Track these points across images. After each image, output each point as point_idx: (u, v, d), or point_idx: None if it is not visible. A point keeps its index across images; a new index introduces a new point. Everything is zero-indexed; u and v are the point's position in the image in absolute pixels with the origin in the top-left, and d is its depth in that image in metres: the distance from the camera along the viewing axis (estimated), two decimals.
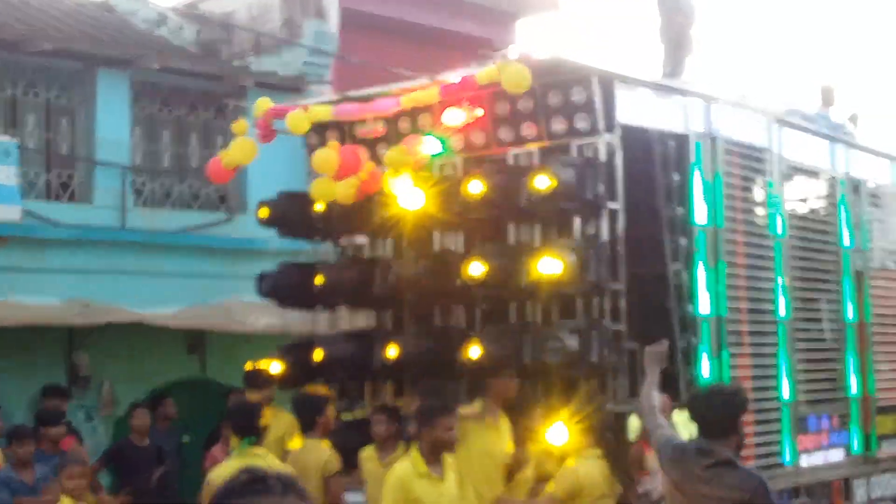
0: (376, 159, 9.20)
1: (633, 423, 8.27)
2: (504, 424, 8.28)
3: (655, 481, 7.96)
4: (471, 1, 18.10)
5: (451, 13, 17.87)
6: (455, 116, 8.34)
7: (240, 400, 9.54)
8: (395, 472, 7.21)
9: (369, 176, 8.47)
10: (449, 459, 7.29)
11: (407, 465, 7.18)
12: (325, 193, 8.57)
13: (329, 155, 8.31)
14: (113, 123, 14.45)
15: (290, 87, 15.44)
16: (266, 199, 9.89)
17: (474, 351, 8.40)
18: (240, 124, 8.89)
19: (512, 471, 8.20)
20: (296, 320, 13.13)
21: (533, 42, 27.01)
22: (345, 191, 8.41)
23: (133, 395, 13.21)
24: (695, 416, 6.02)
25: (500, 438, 8.20)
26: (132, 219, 14.40)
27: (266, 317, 13.64)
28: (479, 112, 8.51)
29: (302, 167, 13.89)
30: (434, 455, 7.16)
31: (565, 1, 21.27)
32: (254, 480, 2.68)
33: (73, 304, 13.05)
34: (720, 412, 5.84)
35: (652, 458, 7.90)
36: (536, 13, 19.49)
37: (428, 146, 8.45)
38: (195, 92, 15.40)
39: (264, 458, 7.58)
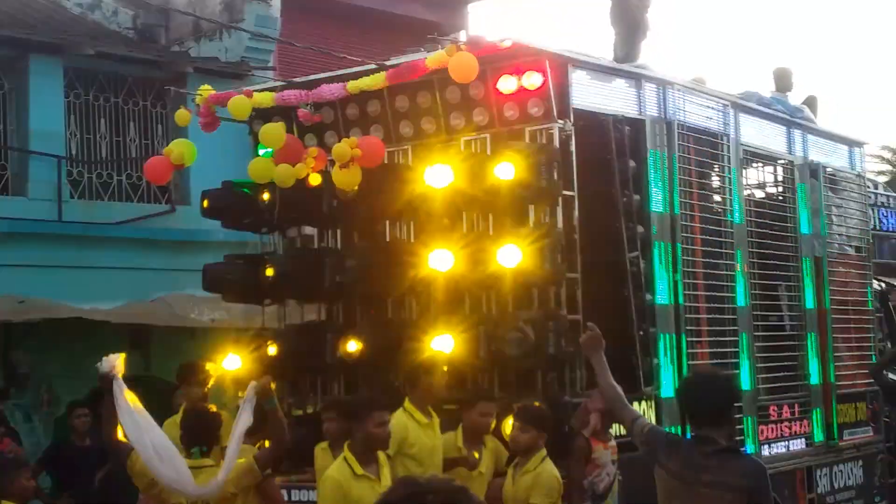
0: (324, 146, 9.12)
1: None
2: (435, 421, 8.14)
3: (602, 473, 8.09)
4: None
5: None
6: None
7: (198, 408, 9.36)
8: (330, 474, 6.99)
9: (315, 161, 8.37)
10: (382, 458, 7.17)
11: (342, 466, 6.97)
12: (264, 174, 8.47)
13: (277, 129, 8.26)
14: (46, 112, 14.35)
15: (232, 73, 15.40)
16: (209, 189, 9.77)
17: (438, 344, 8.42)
18: (182, 114, 8.78)
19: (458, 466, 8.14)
20: (241, 314, 13.11)
21: (483, 26, 27.13)
22: (283, 173, 8.30)
23: (73, 394, 13.00)
24: (687, 404, 5.99)
25: (436, 436, 8.11)
26: (69, 211, 14.31)
27: (211, 311, 13.59)
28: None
29: (246, 157, 13.82)
30: (367, 454, 6.97)
31: None
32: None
33: (8, 299, 12.92)
34: (714, 400, 5.76)
35: (600, 451, 8.07)
36: None
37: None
38: (133, 79, 15.28)
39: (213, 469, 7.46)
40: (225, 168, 11.44)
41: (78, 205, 14.52)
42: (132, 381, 13.22)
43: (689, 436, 6.09)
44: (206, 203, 9.64)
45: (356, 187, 8.32)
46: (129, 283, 14.07)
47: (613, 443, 8.29)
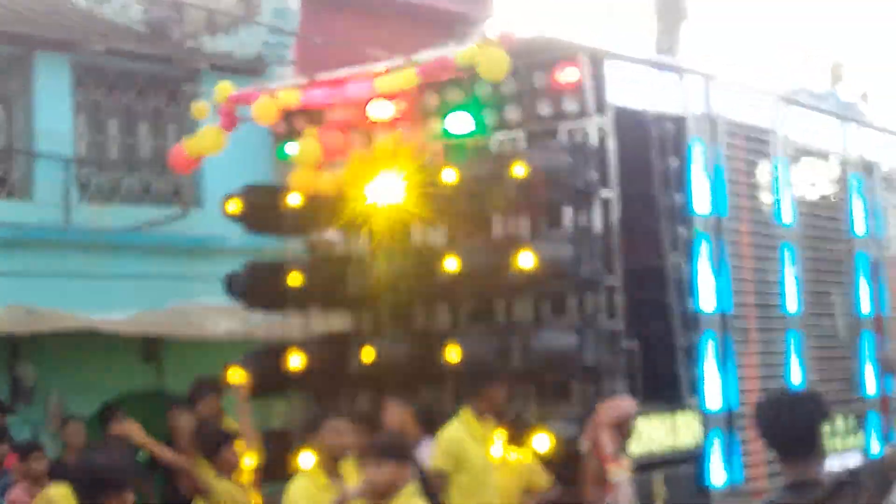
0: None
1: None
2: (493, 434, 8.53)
3: (619, 494, 8.22)
4: None
5: None
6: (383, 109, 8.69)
7: (212, 427, 9.75)
8: (296, 485, 7.46)
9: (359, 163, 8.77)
10: (349, 469, 7.56)
11: (305, 478, 7.48)
12: (306, 185, 8.82)
13: (310, 145, 8.58)
14: (54, 112, 14.64)
15: (249, 69, 15.71)
16: (231, 192, 10.10)
17: (453, 354, 8.72)
18: (200, 108, 9.11)
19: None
20: (259, 324, 13.44)
21: (510, 15, 27.38)
22: (327, 182, 8.67)
23: (85, 408, 13.37)
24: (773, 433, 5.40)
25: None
26: (77, 216, 14.59)
27: (227, 321, 13.92)
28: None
29: (261, 156, 14.11)
30: (329, 464, 7.43)
31: None
32: None
33: (14, 310, 13.19)
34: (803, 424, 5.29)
35: (613, 470, 8.20)
36: None
37: (456, 124, 8.83)
38: (144, 76, 15.58)
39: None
40: (239, 167, 11.78)
41: (86, 209, 14.81)
42: (145, 395, 13.68)
43: None
44: (230, 206, 9.97)
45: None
46: (140, 291, 14.37)
47: (628, 460, 8.46)
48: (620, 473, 8.31)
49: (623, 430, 8.37)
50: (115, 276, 14.38)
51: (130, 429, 9.10)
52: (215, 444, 8.91)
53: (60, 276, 13.96)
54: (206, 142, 8.93)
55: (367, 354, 9.17)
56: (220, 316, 13.96)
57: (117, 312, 13.64)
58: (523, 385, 9.17)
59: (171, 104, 15.78)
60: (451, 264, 8.81)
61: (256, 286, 10.13)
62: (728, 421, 9.83)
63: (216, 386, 10.07)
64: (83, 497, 5.64)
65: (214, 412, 9.97)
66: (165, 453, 9.59)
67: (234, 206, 10.01)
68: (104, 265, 14.39)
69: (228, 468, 8.93)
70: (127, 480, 5.58)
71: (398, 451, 6.80)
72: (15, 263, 13.77)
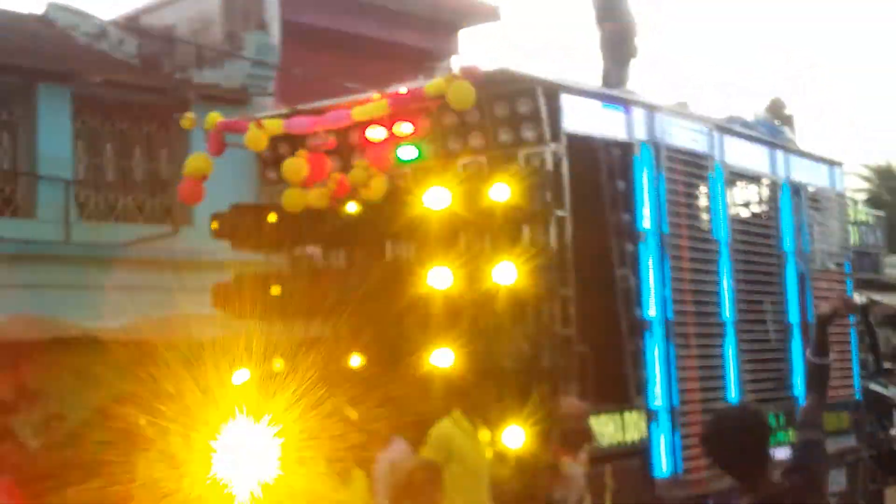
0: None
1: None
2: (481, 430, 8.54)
3: (571, 488, 8.29)
4: (412, 12, 18.43)
5: (392, 24, 18.22)
6: (376, 133, 8.74)
7: None
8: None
9: (337, 184, 8.78)
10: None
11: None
12: (297, 202, 8.87)
13: (298, 164, 8.62)
14: (55, 137, 14.62)
15: (234, 99, 15.71)
16: (218, 211, 10.10)
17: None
18: (187, 119, 9.17)
19: None
20: (240, 332, 13.43)
21: (474, 51, 27.57)
22: (317, 199, 8.73)
23: (81, 410, 13.36)
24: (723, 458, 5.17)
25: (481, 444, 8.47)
26: (76, 233, 14.58)
27: (213, 329, 13.91)
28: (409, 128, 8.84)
29: (245, 178, 14.13)
30: None
31: (505, 11, 21.70)
32: None
33: (18, 319, 13.15)
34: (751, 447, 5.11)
35: (568, 464, 8.28)
36: (477, 23, 19.93)
37: (403, 153, 8.93)
38: (138, 105, 15.56)
39: None
40: (224, 189, 11.72)
41: (85, 226, 14.79)
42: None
43: None
44: (214, 225, 9.99)
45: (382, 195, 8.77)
46: (133, 302, 14.36)
47: (584, 456, 8.48)
48: (575, 467, 8.36)
49: (578, 426, 8.43)
50: (111, 287, 14.28)
51: None
52: None
53: (61, 288, 13.87)
54: (196, 165, 8.95)
55: (347, 360, 9.19)
56: (206, 324, 14.02)
57: (112, 321, 13.68)
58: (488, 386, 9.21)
59: (162, 131, 15.75)
60: (422, 278, 8.86)
61: (239, 297, 10.12)
62: (671, 417, 9.83)
63: None
64: None
65: None
66: None
67: (217, 225, 10.01)
68: (101, 277, 14.15)
69: None
70: None
71: None
72: (19, 276, 13.70)
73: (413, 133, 8.95)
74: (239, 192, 12.14)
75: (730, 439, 5.08)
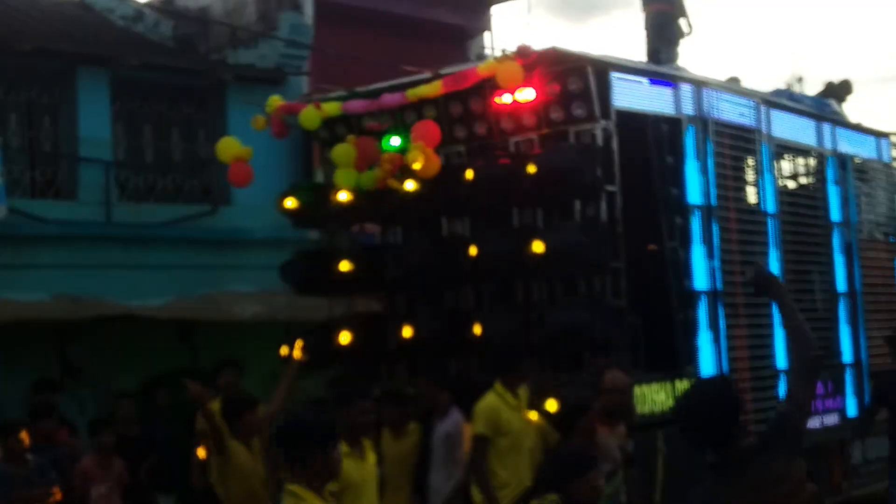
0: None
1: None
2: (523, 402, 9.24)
3: (605, 459, 8.60)
4: None
5: (424, 2, 19.05)
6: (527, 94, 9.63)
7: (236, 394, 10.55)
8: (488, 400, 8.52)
9: (390, 163, 9.65)
10: (367, 443, 8.08)
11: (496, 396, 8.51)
12: (348, 181, 9.76)
13: (346, 149, 9.55)
14: (94, 120, 15.45)
15: (269, 80, 16.56)
16: (287, 189, 11.01)
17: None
18: (258, 121, 10.08)
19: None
20: (281, 308, 14.37)
21: (507, 28, 28.42)
22: (368, 179, 9.64)
23: (126, 387, 14.04)
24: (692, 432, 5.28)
25: (524, 416, 9.19)
26: (117, 213, 15.41)
27: (253, 306, 14.86)
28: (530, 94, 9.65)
29: (284, 158, 15.05)
30: (353, 438, 7.80)
31: None
32: None
33: (61, 299, 14.05)
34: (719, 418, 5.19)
35: (605, 435, 8.85)
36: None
37: (391, 141, 9.91)
38: (175, 87, 16.42)
39: None
40: (261, 169, 12.55)
41: (125, 207, 15.61)
42: (180, 373, 14.61)
43: None
44: (283, 203, 10.88)
45: (436, 171, 9.58)
46: (174, 280, 15.16)
47: (623, 429, 9.04)
48: (611, 439, 8.93)
49: (620, 400, 9.05)
50: (151, 266, 15.17)
51: (201, 392, 9.80)
52: (237, 409, 9.45)
53: (103, 268, 14.74)
54: (229, 149, 9.94)
55: (405, 332, 10.06)
56: (246, 301, 14.93)
57: (154, 299, 14.50)
58: (541, 356, 10.01)
59: (199, 111, 16.61)
60: (474, 250, 9.71)
61: (305, 273, 11.00)
62: None
63: (235, 364, 11.06)
64: (291, 456, 5.69)
65: (232, 386, 10.84)
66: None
67: (290, 203, 10.90)
68: (142, 257, 15.18)
69: (246, 431, 9.39)
70: (333, 437, 5.72)
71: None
72: (62, 257, 14.55)
73: (535, 98, 9.75)
74: (274, 173, 13.00)
75: (698, 411, 5.18)
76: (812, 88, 14.77)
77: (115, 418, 12.51)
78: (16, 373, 13.75)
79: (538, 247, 9.43)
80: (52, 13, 16.94)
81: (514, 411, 8.91)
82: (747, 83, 12.43)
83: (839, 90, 14.28)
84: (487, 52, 19.43)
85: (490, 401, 8.83)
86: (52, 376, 13.85)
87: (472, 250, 9.77)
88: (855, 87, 14.59)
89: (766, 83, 12.64)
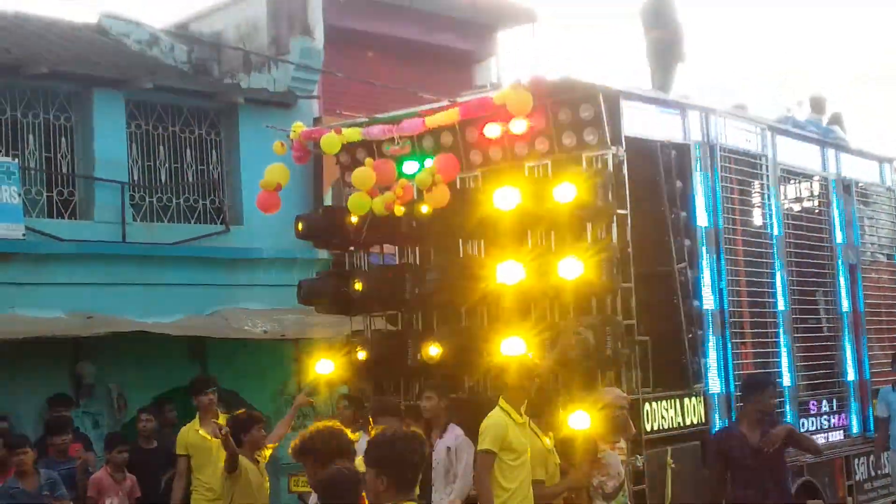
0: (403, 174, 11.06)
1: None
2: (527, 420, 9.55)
3: (608, 475, 9.32)
4: (450, 15, 20.18)
5: (432, 27, 19.98)
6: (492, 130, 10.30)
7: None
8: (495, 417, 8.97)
9: (403, 190, 10.37)
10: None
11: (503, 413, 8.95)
12: (361, 206, 10.47)
13: (367, 172, 10.27)
14: (110, 141, 16.26)
15: (280, 103, 17.50)
16: (303, 213, 11.75)
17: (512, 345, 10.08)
18: (279, 146, 10.80)
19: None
20: (292, 326, 15.08)
21: (513, 53, 29.21)
22: (379, 204, 10.34)
23: (138, 402, 14.84)
24: None
25: (528, 434, 9.49)
26: (132, 233, 16.18)
27: (264, 323, 15.61)
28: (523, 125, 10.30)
29: (296, 181, 15.75)
30: None
31: (543, 12, 23.15)
32: None
33: (76, 316, 14.82)
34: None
35: (607, 452, 9.33)
36: (515, 25, 21.63)
37: (406, 168, 10.61)
38: (188, 109, 17.26)
39: None
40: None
41: (140, 227, 16.40)
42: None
43: None
44: (300, 226, 11.59)
45: (445, 203, 10.20)
46: (187, 298, 16.00)
47: (623, 445, 9.52)
48: (614, 455, 9.37)
49: (618, 416, 9.50)
50: (164, 284, 15.98)
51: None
52: (246, 425, 10.12)
53: (117, 286, 15.55)
54: (274, 176, 10.65)
55: (425, 351, 10.65)
56: (256, 319, 15.73)
57: (167, 317, 15.41)
58: (554, 374, 10.36)
59: (212, 133, 17.41)
60: (490, 273, 10.26)
61: (323, 292, 11.68)
62: (727, 403, 11.16)
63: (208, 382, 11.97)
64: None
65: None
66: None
67: (302, 226, 11.57)
68: (155, 275, 15.96)
69: (252, 447, 10.08)
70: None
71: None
72: (77, 275, 15.31)
73: (528, 130, 10.36)
74: (287, 195, 13.61)
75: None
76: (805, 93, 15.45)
77: (136, 431, 13.28)
78: (31, 388, 14.48)
79: (557, 274, 9.96)
80: (69, 37, 17.73)
81: (519, 428, 9.22)
82: (752, 107, 13.08)
83: (821, 104, 15.02)
84: (494, 77, 20.18)
85: (497, 417, 9.16)
86: (67, 392, 14.55)
87: (493, 272, 10.25)
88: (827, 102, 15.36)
89: (769, 103, 13.28)
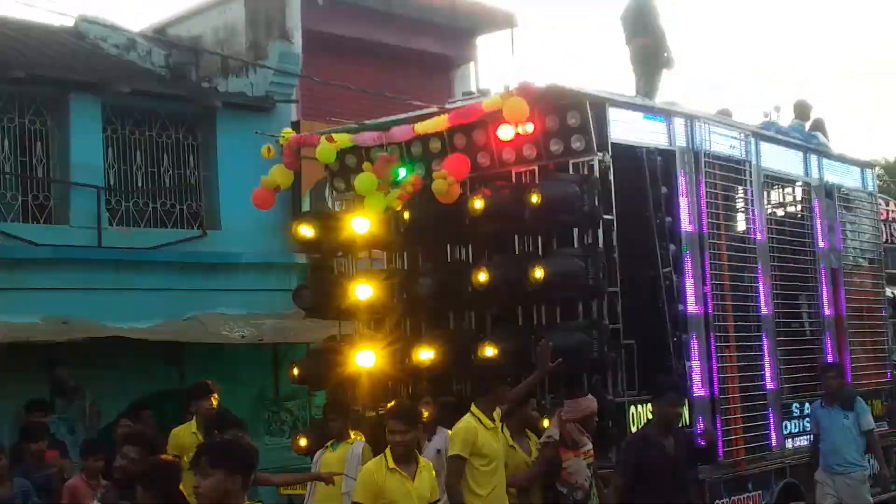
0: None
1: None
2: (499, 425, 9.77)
3: (574, 482, 9.58)
4: (430, 20, 20.60)
5: (411, 32, 20.40)
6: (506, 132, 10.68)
7: (223, 414, 11.40)
8: (367, 467, 8.93)
9: (412, 185, 10.78)
10: (423, 461, 8.84)
11: (379, 461, 8.84)
12: (379, 206, 10.91)
13: (368, 177, 10.71)
14: (86, 146, 16.49)
15: (258, 107, 17.83)
16: (299, 215, 12.11)
17: (488, 350, 10.57)
18: (268, 150, 11.22)
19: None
20: (270, 331, 15.40)
21: (492, 58, 29.70)
22: (392, 199, 10.77)
23: (115, 408, 15.11)
24: None
25: (500, 439, 9.73)
26: (108, 237, 16.39)
27: (241, 328, 15.94)
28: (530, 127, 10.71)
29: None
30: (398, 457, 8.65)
31: (522, 17, 23.51)
32: None
33: (52, 321, 15.04)
34: None
35: (571, 459, 9.61)
36: (495, 30, 22.06)
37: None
38: (166, 114, 17.54)
39: None
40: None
41: (116, 232, 16.63)
42: (169, 394, 15.47)
43: None
44: (296, 231, 11.92)
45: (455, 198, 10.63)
46: (164, 303, 16.26)
47: (588, 447, 9.66)
48: (578, 461, 9.58)
49: (586, 425, 9.75)
50: (141, 289, 16.23)
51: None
52: (225, 426, 10.18)
53: (93, 291, 15.79)
54: (276, 177, 11.08)
55: (414, 355, 11.08)
56: (234, 323, 16.02)
57: (143, 322, 15.63)
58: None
59: (189, 138, 17.69)
60: (480, 277, 10.63)
61: (317, 298, 12.06)
62: (711, 405, 11.60)
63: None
64: None
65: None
66: None
67: (306, 231, 11.89)
68: (131, 280, 16.22)
69: None
70: None
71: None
72: (54, 280, 15.53)
73: (534, 132, 10.78)
74: None
75: None
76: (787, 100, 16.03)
77: (114, 437, 13.47)
78: (7, 394, 14.58)
79: (539, 272, 10.36)
80: (46, 41, 17.94)
81: (490, 433, 9.35)
82: (736, 113, 13.50)
83: (805, 109, 15.55)
84: (473, 81, 20.60)
85: (466, 423, 9.29)
86: (43, 397, 14.54)
87: (482, 276, 10.63)
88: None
89: (754, 110, 13.75)
